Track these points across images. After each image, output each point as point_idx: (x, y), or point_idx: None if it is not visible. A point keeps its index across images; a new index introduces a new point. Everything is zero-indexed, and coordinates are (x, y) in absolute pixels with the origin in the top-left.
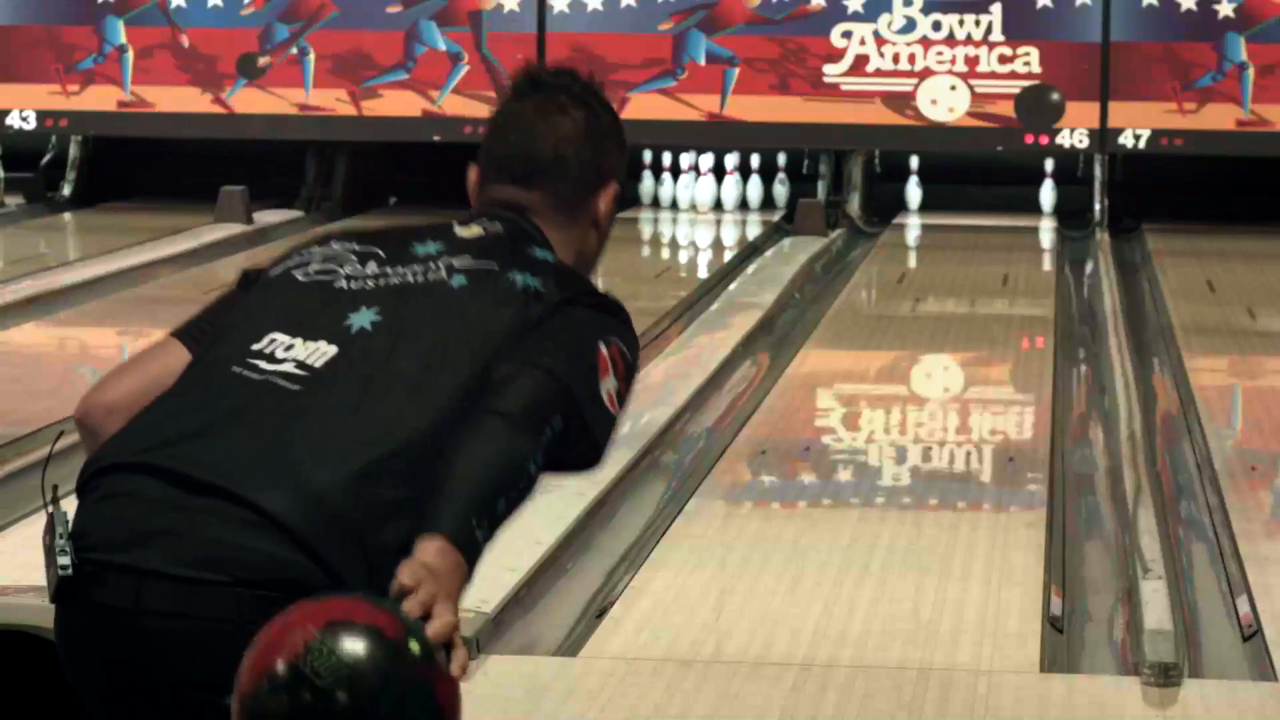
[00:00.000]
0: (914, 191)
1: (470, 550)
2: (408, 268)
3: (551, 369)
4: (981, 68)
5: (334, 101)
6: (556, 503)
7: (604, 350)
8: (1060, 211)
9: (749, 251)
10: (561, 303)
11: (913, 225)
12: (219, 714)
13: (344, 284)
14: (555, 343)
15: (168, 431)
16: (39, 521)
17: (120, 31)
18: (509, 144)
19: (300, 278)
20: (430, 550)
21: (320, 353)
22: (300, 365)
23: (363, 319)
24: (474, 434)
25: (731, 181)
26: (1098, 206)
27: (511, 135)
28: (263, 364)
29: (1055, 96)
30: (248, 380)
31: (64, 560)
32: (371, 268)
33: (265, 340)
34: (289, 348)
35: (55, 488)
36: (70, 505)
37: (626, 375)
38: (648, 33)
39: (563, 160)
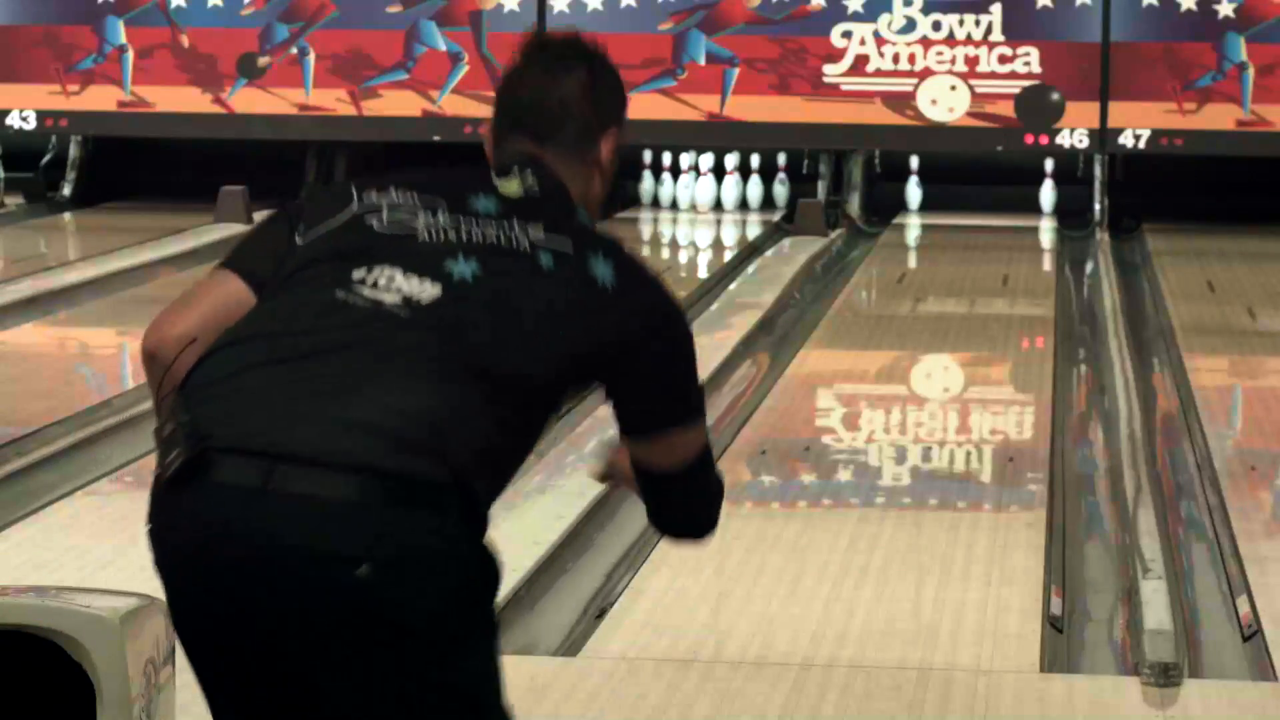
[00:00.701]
0: (914, 191)
1: None
2: (484, 225)
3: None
4: (981, 68)
5: (334, 101)
6: (556, 503)
7: (693, 385)
8: (1060, 211)
9: (749, 251)
10: (630, 321)
11: (913, 225)
12: (345, 589)
13: (426, 234)
14: (660, 390)
15: (284, 347)
16: (38, 522)
17: (120, 31)
18: (520, 100)
19: (376, 225)
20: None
21: (426, 292)
22: (407, 300)
23: (463, 269)
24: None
25: (731, 181)
26: (1098, 206)
27: (522, 92)
28: (366, 290)
29: (1055, 96)
30: (354, 306)
31: (190, 443)
32: (443, 218)
33: (364, 270)
34: (391, 279)
35: (185, 379)
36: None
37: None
38: (648, 33)
39: (568, 111)
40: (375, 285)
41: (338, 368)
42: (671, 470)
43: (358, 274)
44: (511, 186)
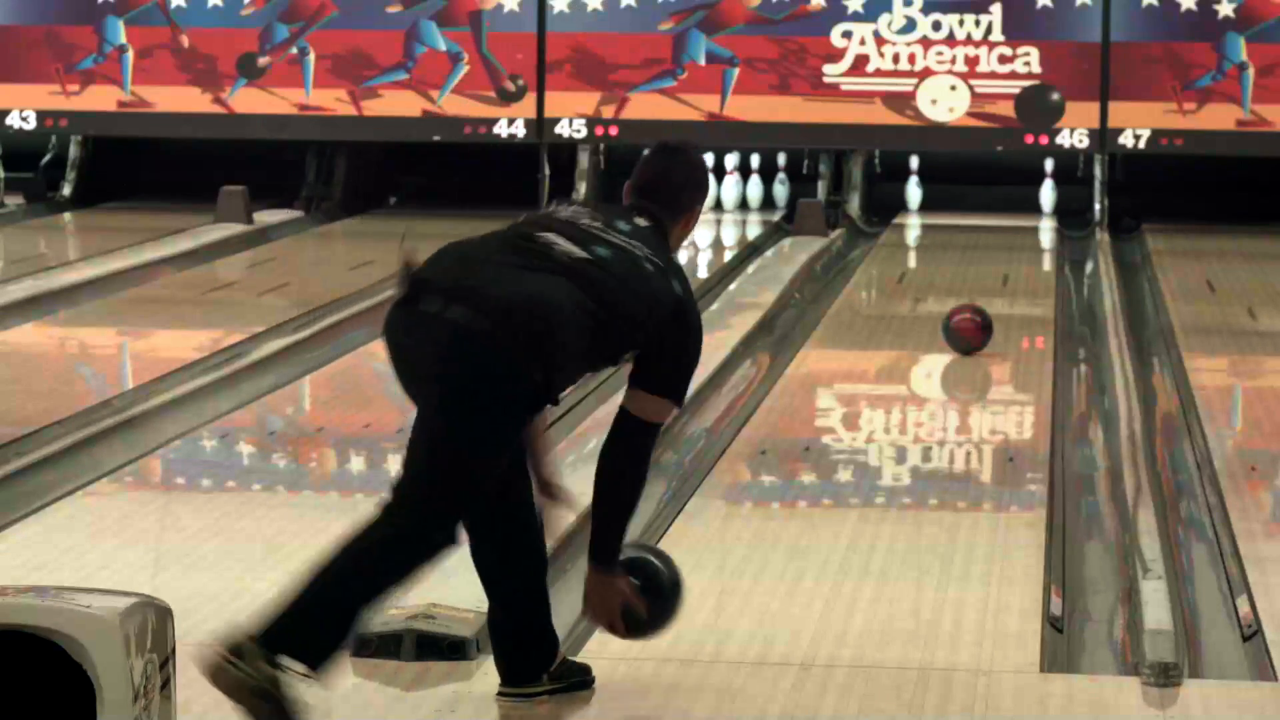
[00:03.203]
0: (914, 191)
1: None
2: (617, 238)
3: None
4: (981, 68)
5: (334, 101)
6: None
7: (687, 378)
8: (1060, 211)
9: (749, 251)
10: (678, 318)
11: (913, 225)
12: (499, 383)
13: (584, 224)
14: (671, 368)
15: (481, 245)
16: (38, 522)
17: (120, 31)
18: (646, 179)
19: (557, 215)
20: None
21: (575, 249)
22: (565, 250)
23: (596, 250)
24: (614, 471)
25: (731, 181)
26: (1098, 206)
27: (649, 173)
28: (545, 238)
29: (1055, 96)
30: (533, 239)
31: (409, 281)
32: (596, 222)
33: (545, 236)
34: (559, 241)
35: (403, 235)
36: None
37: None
38: (648, 33)
39: (672, 191)
40: (547, 240)
41: (508, 267)
42: (641, 420)
43: (539, 234)
44: (640, 222)
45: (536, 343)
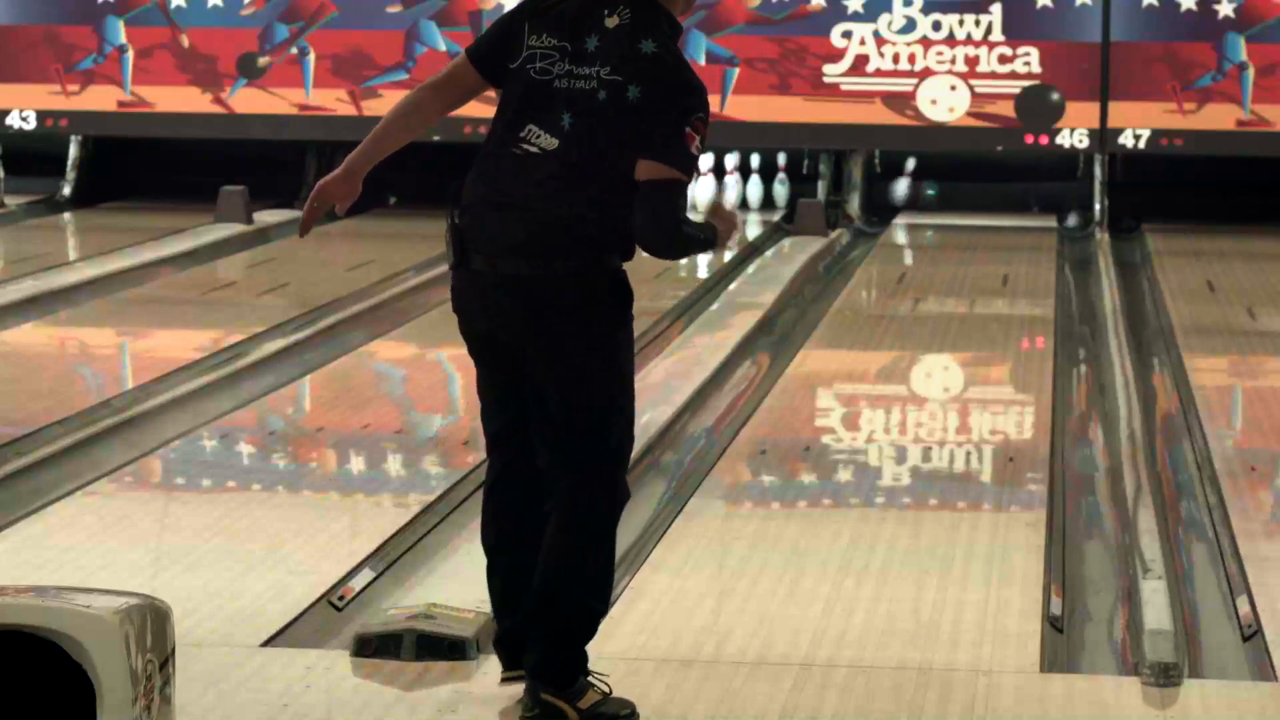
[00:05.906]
0: (913, 191)
1: None
2: (580, 70)
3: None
4: (981, 68)
5: (334, 101)
6: None
7: (689, 131)
8: (1060, 211)
9: (749, 251)
10: (659, 111)
11: (913, 225)
12: (557, 315)
13: (556, 83)
14: (658, 138)
15: (488, 185)
16: (38, 522)
17: (120, 31)
18: None
19: (532, 73)
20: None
21: (551, 140)
22: (543, 146)
23: (565, 121)
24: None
25: (731, 181)
26: (1098, 206)
27: None
28: (528, 146)
29: (1055, 96)
30: (524, 155)
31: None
32: (565, 66)
33: (525, 129)
34: (538, 136)
35: (453, 204)
36: None
37: (704, 126)
38: None
39: None
40: (529, 140)
41: (519, 196)
42: (644, 181)
43: (521, 133)
44: (612, 21)
45: (581, 252)
